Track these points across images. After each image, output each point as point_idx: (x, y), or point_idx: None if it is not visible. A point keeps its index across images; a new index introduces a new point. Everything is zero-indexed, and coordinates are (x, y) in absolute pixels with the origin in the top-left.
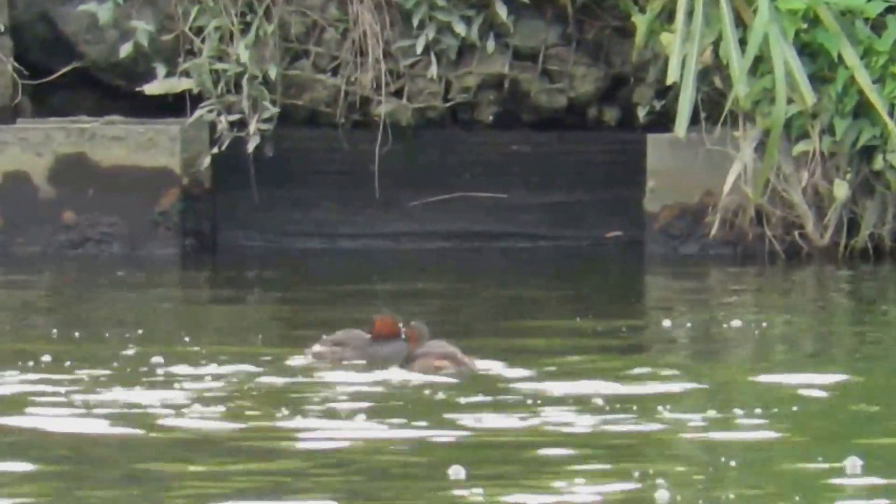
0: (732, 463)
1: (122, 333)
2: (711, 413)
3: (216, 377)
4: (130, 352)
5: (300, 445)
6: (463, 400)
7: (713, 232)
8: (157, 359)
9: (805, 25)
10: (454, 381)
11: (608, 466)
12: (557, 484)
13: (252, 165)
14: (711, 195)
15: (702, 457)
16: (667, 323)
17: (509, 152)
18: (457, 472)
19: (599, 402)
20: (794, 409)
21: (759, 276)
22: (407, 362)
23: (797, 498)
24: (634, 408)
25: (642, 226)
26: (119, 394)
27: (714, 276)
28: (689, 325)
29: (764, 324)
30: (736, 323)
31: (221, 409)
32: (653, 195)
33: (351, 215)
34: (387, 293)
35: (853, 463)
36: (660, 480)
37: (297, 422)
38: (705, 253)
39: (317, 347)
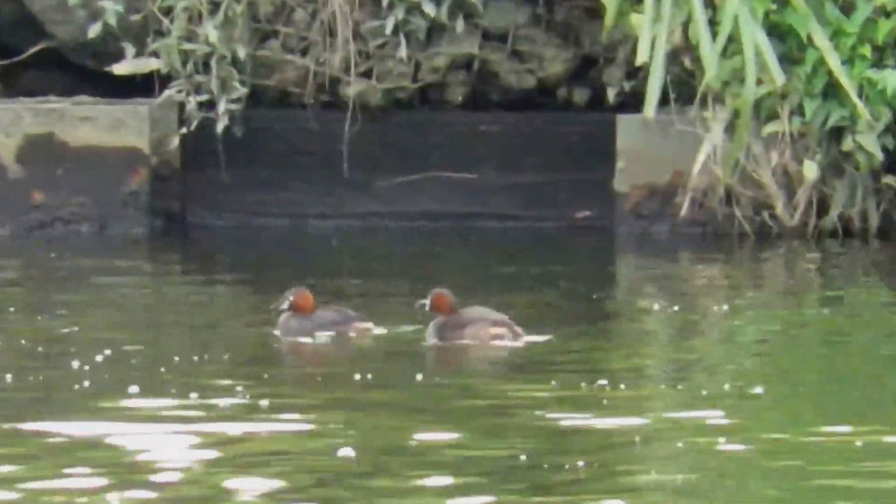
0: (699, 442)
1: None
2: (682, 395)
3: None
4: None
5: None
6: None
7: (683, 212)
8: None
9: (774, 6)
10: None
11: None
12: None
13: (221, 145)
14: (681, 175)
15: (674, 442)
16: (635, 304)
17: (479, 133)
18: (346, 452)
19: (577, 384)
20: (765, 389)
21: (728, 257)
22: (445, 332)
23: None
24: (606, 393)
25: (612, 206)
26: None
27: (683, 257)
28: (655, 306)
29: (725, 306)
30: (703, 303)
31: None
32: (622, 176)
33: (320, 196)
34: (356, 273)
35: None
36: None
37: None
38: (675, 233)
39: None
